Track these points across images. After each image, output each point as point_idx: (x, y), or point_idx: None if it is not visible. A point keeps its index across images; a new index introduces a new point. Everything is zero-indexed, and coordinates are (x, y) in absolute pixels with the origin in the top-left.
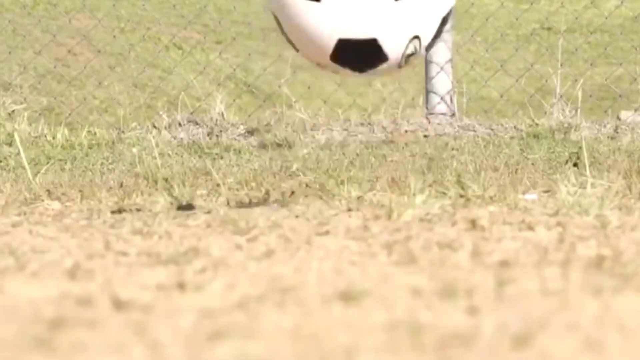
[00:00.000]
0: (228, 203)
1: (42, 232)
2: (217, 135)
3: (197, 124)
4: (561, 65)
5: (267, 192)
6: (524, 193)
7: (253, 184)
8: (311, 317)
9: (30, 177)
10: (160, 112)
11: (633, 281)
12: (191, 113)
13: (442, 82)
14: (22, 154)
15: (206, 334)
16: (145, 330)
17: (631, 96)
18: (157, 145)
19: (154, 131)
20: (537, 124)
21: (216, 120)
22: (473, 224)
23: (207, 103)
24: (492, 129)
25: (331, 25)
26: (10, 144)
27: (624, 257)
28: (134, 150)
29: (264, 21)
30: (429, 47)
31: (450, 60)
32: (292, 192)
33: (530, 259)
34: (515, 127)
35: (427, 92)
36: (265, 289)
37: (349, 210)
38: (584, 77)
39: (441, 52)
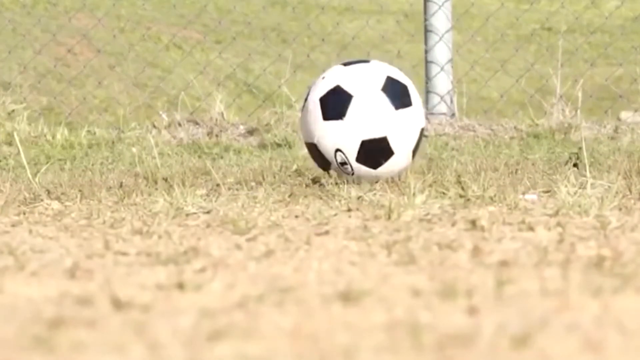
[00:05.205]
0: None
1: (42, 232)
2: (217, 135)
3: (197, 123)
4: (561, 65)
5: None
6: (523, 193)
7: (253, 184)
8: (311, 317)
9: (30, 177)
10: (160, 112)
11: (633, 281)
12: (191, 113)
13: (442, 82)
14: (22, 154)
15: (206, 333)
16: (145, 330)
17: (631, 96)
18: (156, 145)
19: (154, 131)
20: (537, 124)
21: (216, 120)
22: (473, 224)
23: (207, 103)
24: (492, 129)
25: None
26: (10, 144)
27: (623, 258)
28: (134, 150)
29: (264, 21)
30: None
31: (451, 61)
32: (292, 192)
33: (530, 259)
34: (515, 128)
35: (427, 92)
36: (265, 289)
37: (349, 210)
38: (584, 78)
39: (441, 52)
